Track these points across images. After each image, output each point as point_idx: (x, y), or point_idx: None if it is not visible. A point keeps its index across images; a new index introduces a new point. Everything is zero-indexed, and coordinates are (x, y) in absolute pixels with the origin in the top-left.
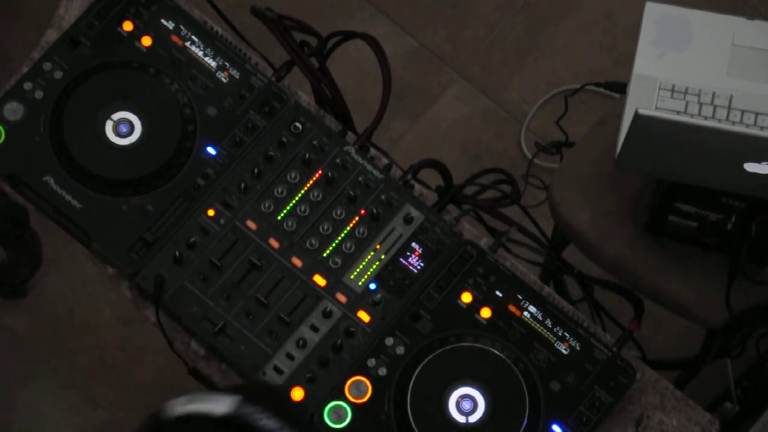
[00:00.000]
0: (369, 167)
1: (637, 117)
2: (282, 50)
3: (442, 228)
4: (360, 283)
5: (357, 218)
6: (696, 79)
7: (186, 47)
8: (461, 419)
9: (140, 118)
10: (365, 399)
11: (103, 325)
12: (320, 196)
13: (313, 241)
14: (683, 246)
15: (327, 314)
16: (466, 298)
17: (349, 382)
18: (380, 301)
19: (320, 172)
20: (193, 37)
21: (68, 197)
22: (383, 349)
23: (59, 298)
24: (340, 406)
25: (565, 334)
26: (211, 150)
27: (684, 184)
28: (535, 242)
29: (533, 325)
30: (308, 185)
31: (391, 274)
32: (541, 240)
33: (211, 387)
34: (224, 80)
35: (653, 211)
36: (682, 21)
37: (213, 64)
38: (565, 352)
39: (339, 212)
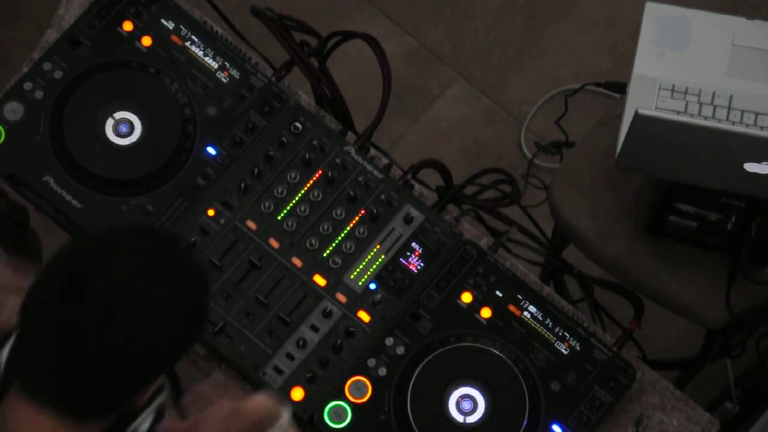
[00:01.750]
0: (369, 167)
1: (637, 117)
2: (282, 50)
3: (442, 228)
4: (360, 283)
5: (357, 218)
6: (696, 79)
7: (186, 47)
8: (461, 419)
9: (140, 118)
10: (365, 399)
11: None
12: (320, 196)
13: (313, 241)
14: (683, 246)
15: (327, 314)
16: (466, 298)
17: (349, 382)
18: (380, 301)
19: (320, 172)
20: (193, 37)
21: (68, 197)
22: (383, 349)
23: None
24: (340, 406)
25: (565, 334)
26: (211, 150)
27: (684, 184)
28: (535, 242)
29: (533, 325)
30: (308, 185)
31: (391, 274)
32: (541, 240)
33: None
34: (224, 80)
35: (653, 211)
36: (682, 21)
37: (213, 64)
38: (565, 352)
39: (339, 212)
